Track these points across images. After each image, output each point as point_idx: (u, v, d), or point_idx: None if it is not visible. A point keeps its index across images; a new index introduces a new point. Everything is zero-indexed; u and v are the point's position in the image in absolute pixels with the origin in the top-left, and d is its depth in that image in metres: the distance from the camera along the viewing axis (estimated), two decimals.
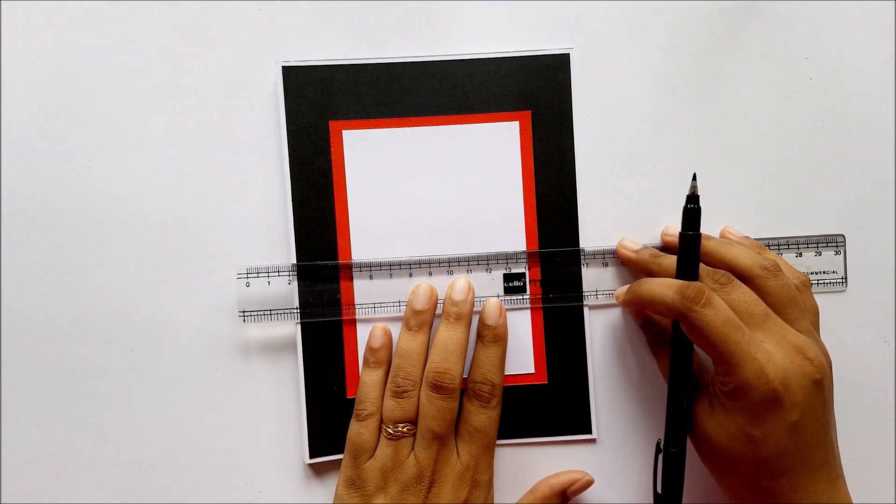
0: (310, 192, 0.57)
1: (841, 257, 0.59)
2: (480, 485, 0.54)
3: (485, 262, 0.57)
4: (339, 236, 0.57)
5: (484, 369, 0.55)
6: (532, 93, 0.58)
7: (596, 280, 0.58)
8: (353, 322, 0.57)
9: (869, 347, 0.59)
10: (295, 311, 0.57)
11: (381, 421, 0.54)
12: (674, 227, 0.57)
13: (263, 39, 0.58)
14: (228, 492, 0.58)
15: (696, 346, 0.51)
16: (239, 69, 0.58)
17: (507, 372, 0.58)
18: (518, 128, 0.58)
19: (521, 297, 0.58)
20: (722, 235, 0.58)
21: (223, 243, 0.57)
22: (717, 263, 0.53)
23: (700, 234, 0.52)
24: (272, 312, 0.56)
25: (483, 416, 0.54)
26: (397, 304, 0.57)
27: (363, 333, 0.57)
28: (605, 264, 0.58)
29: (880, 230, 0.59)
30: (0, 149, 0.57)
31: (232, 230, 0.58)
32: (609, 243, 0.58)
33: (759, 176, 0.59)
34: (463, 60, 0.58)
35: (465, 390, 0.55)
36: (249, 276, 0.56)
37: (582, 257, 0.58)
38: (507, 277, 0.57)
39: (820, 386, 0.49)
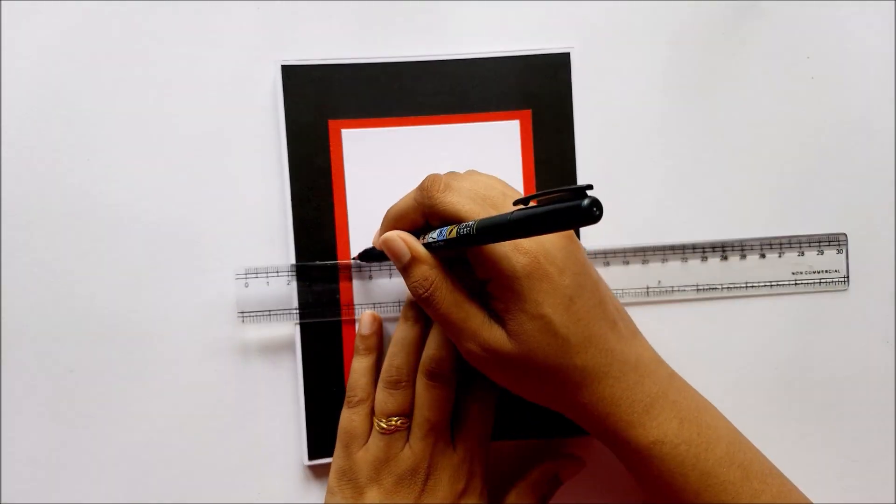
0: (309, 192, 0.57)
1: (843, 256, 0.59)
2: (477, 475, 0.54)
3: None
4: (338, 236, 0.57)
5: (431, 350, 0.53)
6: (532, 92, 0.58)
7: None
8: (353, 322, 0.57)
9: (870, 347, 0.59)
10: (294, 311, 0.57)
11: (373, 411, 0.54)
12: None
13: (263, 38, 0.58)
14: (228, 492, 0.58)
15: None
16: (238, 68, 0.58)
17: None
18: (518, 127, 0.58)
19: None
20: None
21: (222, 243, 0.57)
22: None
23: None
24: (271, 313, 0.56)
25: (479, 406, 0.54)
26: (397, 303, 0.57)
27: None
28: (607, 263, 0.58)
29: (882, 229, 0.59)
30: (0, 149, 0.57)
31: (231, 230, 0.57)
32: (609, 243, 0.58)
33: (761, 175, 0.59)
34: (463, 60, 0.58)
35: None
36: (248, 276, 0.56)
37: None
38: None
39: (573, 240, 0.48)
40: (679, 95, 0.59)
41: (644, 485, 0.51)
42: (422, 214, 0.50)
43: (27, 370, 0.57)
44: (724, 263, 0.58)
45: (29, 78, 0.57)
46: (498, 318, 0.48)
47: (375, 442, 0.53)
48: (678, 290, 0.56)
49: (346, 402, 0.55)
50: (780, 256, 0.58)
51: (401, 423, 0.53)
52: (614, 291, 0.57)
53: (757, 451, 0.51)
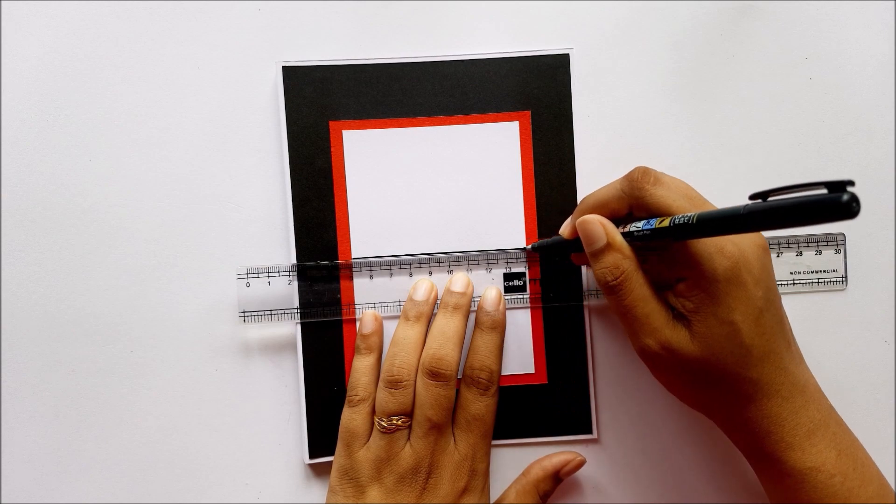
0: (310, 192, 0.57)
1: (841, 256, 0.59)
2: (478, 473, 0.54)
3: (485, 261, 0.57)
4: (339, 236, 0.57)
5: (482, 355, 0.54)
6: (532, 93, 0.58)
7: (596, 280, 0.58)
8: (354, 322, 0.57)
9: (869, 347, 0.59)
10: (295, 311, 0.57)
11: (374, 410, 0.54)
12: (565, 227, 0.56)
13: (264, 39, 0.58)
14: (228, 492, 0.58)
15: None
16: (239, 69, 0.58)
17: (508, 372, 0.58)
18: (518, 128, 0.58)
19: (521, 297, 0.58)
20: None
21: (223, 243, 0.57)
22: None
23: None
24: (272, 312, 0.56)
25: (481, 404, 0.54)
26: (397, 303, 0.57)
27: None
28: None
29: (880, 229, 0.59)
30: (0, 149, 0.57)
31: (232, 230, 0.58)
32: None
33: (759, 175, 0.59)
34: (463, 61, 0.58)
35: (463, 378, 0.55)
36: (249, 276, 0.56)
37: None
38: (507, 276, 0.57)
39: (768, 254, 0.49)
40: (678, 96, 0.59)
41: None
42: (627, 205, 0.49)
43: (28, 370, 0.57)
44: None
45: (29, 78, 0.57)
46: (682, 317, 0.48)
47: (376, 441, 0.53)
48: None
49: (347, 401, 0.55)
50: (778, 256, 0.59)
51: (402, 422, 0.53)
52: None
53: None
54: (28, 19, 0.57)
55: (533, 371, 0.58)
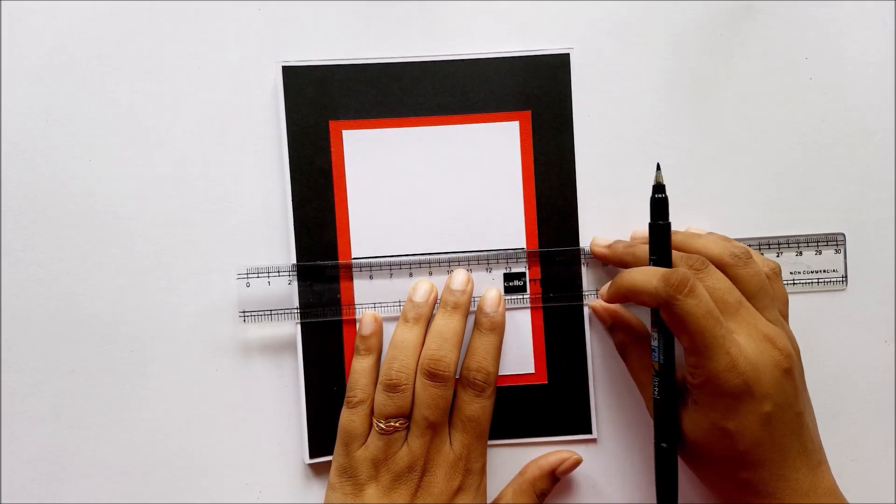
0: (310, 192, 0.57)
1: (841, 256, 0.59)
2: (473, 473, 0.54)
3: (485, 261, 0.57)
4: (338, 236, 0.57)
5: (479, 356, 0.54)
6: (532, 93, 0.58)
7: (596, 280, 0.58)
8: (354, 322, 0.57)
9: (869, 347, 0.59)
10: (295, 311, 0.57)
11: (372, 410, 0.54)
12: (641, 230, 0.57)
13: (263, 39, 0.58)
14: (228, 492, 0.58)
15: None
16: (239, 69, 0.58)
17: (508, 372, 0.58)
18: (518, 128, 0.58)
19: (521, 297, 0.58)
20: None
21: (223, 243, 0.57)
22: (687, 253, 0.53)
23: (670, 224, 0.53)
24: (272, 313, 0.56)
25: (477, 406, 0.54)
26: (397, 303, 0.57)
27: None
28: (605, 264, 0.58)
29: (880, 229, 0.59)
30: (0, 149, 0.57)
31: (232, 230, 0.58)
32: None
33: (759, 175, 0.59)
34: (463, 60, 0.58)
35: (460, 379, 0.55)
36: (249, 276, 0.56)
37: (582, 257, 0.58)
38: (508, 277, 0.57)
39: (790, 374, 0.49)
40: (678, 96, 0.59)
41: None
42: (657, 303, 0.50)
43: (28, 370, 0.57)
44: None
45: (29, 78, 0.57)
46: (685, 392, 0.52)
47: (374, 441, 0.53)
48: None
49: (345, 402, 0.55)
50: (778, 256, 0.59)
51: (399, 424, 0.53)
52: (600, 290, 0.57)
53: None
54: (28, 19, 0.57)
55: (533, 371, 0.58)
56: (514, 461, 0.58)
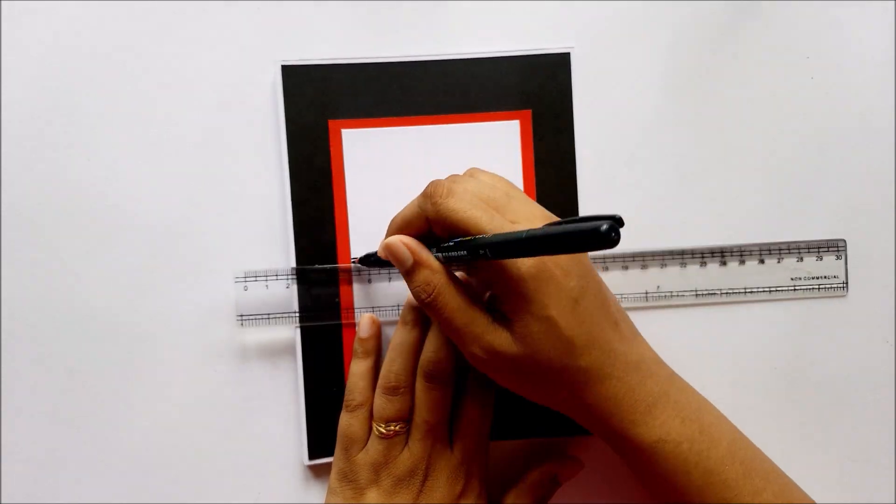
0: (309, 192, 0.57)
1: (842, 262, 0.59)
2: (474, 477, 0.54)
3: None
4: (338, 236, 0.57)
5: (429, 353, 0.53)
6: (532, 92, 0.58)
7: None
8: (353, 326, 0.57)
9: (869, 353, 0.59)
10: (294, 315, 0.57)
11: (372, 414, 0.54)
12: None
13: (263, 38, 0.58)
14: (227, 493, 0.58)
15: None
16: (238, 68, 0.58)
17: None
18: (518, 127, 0.58)
19: None
20: None
21: (222, 243, 0.57)
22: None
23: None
24: (270, 316, 0.56)
25: (476, 410, 0.54)
26: (396, 307, 0.57)
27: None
28: (606, 268, 0.58)
29: (881, 235, 0.59)
30: (0, 149, 0.57)
31: (231, 230, 0.57)
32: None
33: (760, 177, 0.59)
34: (463, 60, 0.58)
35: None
36: (247, 279, 0.56)
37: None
38: None
39: None
40: (679, 96, 0.59)
41: (647, 484, 0.51)
42: (426, 221, 0.49)
43: (27, 371, 0.57)
44: (723, 269, 0.58)
45: (29, 78, 0.57)
46: (504, 320, 0.48)
47: (374, 445, 0.53)
48: (677, 296, 0.56)
49: (344, 405, 0.55)
50: (779, 262, 0.58)
51: (399, 427, 0.53)
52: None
53: (758, 449, 0.51)
54: (28, 19, 0.57)
55: None
56: (514, 461, 0.58)
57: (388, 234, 0.53)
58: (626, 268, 0.57)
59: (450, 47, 0.58)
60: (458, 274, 0.52)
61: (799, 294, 0.59)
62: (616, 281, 0.58)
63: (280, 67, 0.57)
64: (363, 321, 0.56)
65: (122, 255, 0.57)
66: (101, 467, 0.57)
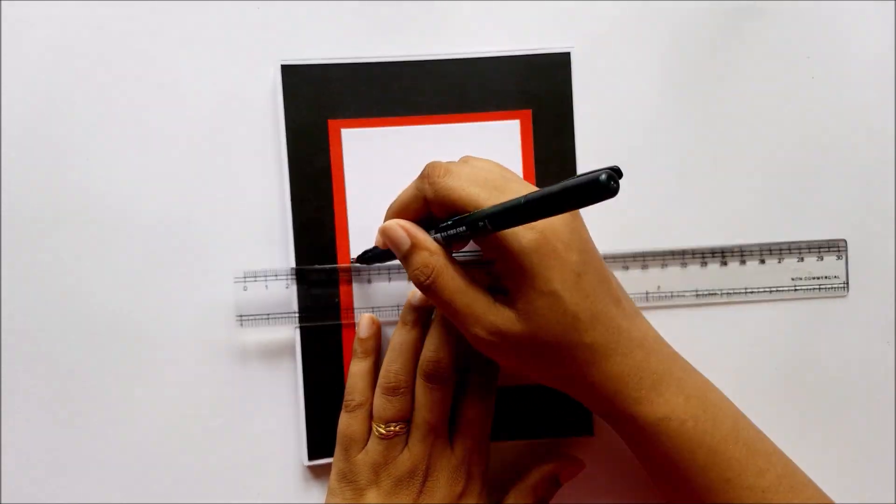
0: (309, 192, 0.57)
1: (843, 262, 0.59)
2: (475, 478, 0.54)
3: (485, 266, 0.57)
4: (338, 235, 0.57)
5: (429, 352, 0.53)
6: (532, 92, 0.58)
7: None
8: (353, 326, 0.57)
9: (870, 353, 0.59)
10: (294, 315, 0.57)
11: (371, 414, 0.54)
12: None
13: (262, 38, 0.58)
14: (227, 494, 0.58)
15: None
16: (238, 68, 0.58)
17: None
18: (518, 127, 0.58)
19: None
20: None
21: (222, 243, 0.57)
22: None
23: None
24: (270, 316, 0.56)
25: (476, 409, 0.54)
26: (396, 307, 0.57)
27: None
28: None
29: (882, 235, 0.59)
30: (0, 149, 0.57)
31: (230, 230, 0.57)
32: (608, 248, 0.58)
33: (760, 177, 0.59)
34: (463, 59, 0.58)
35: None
36: (247, 279, 0.56)
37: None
38: None
39: (578, 217, 0.48)
40: (679, 96, 0.59)
41: (650, 464, 0.51)
42: (424, 203, 0.49)
43: (27, 371, 0.57)
44: (724, 269, 0.58)
45: (29, 78, 0.57)
46: (506, 298, 0.48)
47: (374, 446, 0.53)
48: (678, 296, 0.56)
49: (343, 406, 0.55)
50: (779, 262, 0.58)
51: (399, 428, 0.53)
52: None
53: (760, 430, 0.51)
54: (28, 19, 0.57)
55: None
56: (515, 461, 0.58)
57: (386, 219, 0.53)
58: (626, 268, 0.57)
59: (450, 47, 0.58)
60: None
61: (800, 294, 0.59)
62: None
63: (280, 67, 0.57)
64: (363, 321, 0.56)
65: (121, 255, 0.57)
66: (101, 467, 0.57)
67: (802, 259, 0.59)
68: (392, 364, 0.53)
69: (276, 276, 0.56)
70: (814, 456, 0.58)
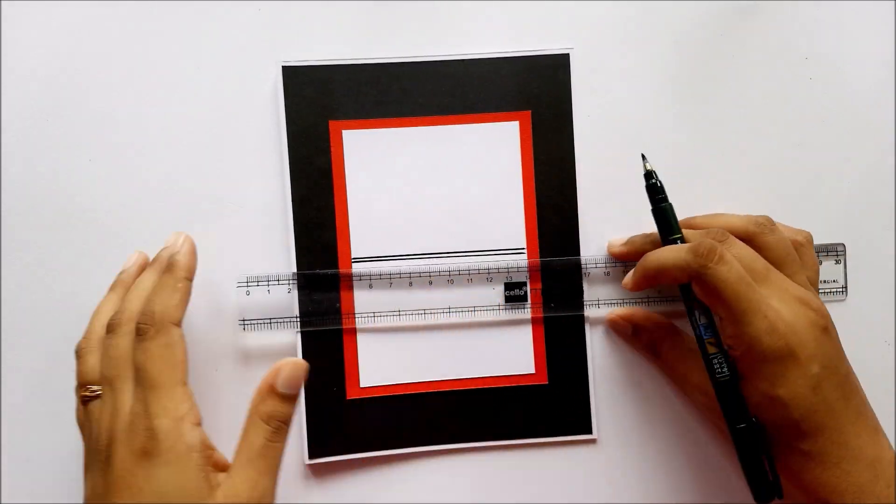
0: (310, 192, 0.57)
1: (841, 266, 0.59)
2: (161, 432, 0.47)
3: (485, 272, 0.57)
4: (338, 236, 0.57)
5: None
6: (532, 93, 0.58)
7: (597, 290, 0.58)
8: (354, 331, 0.57)
9: (869, 354, 0.59)
10: (295, 319, 0.57)
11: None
12: (616, 240, 0.58)
13: (263, 39, 0.58)
14: None
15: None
16: (239, 69, 0.58)
17: (508, 372, 0.58)
18: (518, 128, 0.58)
19: (522, 306, 0.58)
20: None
21: (223, 244, 0.57)
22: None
23: (671, 204, 0.53)
24: (272, 321, 0.56)
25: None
26: (397, 313, 0.57)
27: (364, 342, 0.57)
28: (607, 273, 0.58)
29: (881, 230, 0.59)
30: (0, 149, 0.57)
31: (231, 230, 0.57)
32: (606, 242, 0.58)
33: (759, 179, 0.59)
34: (463, 60, 0.58)
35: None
36: (249, 284, 0.56)
37: (584, 267, 0.58)
38: (508, 286, 0.57)
39: (829, 333, 0.49)
40: (678, 96, 0.59)
41: None
42: (688, 276, 0.50)
43: (27, 371, 0.57)
44: None
45: (29, 78, 0.57)
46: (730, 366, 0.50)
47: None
48: (678, 300, 0.56)
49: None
50: None
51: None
52: (609, 301, 0.58)
53: None
54: (28, 19, 0.57)
55: (533, 371, 0.58)
56: (515, 461, 0.58)
57: (639, 274, 0.54)
58: (627, 271, 0.57)
59: (450, 48, 0.58)
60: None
61: None
62: (618, 284, 0.58)
63: (281, 68, 0.57)
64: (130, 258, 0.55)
65: (124, 258, 0.57)
66: None
67: None
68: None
69: (278, 280, 0.56)
70: None
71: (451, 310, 0.57)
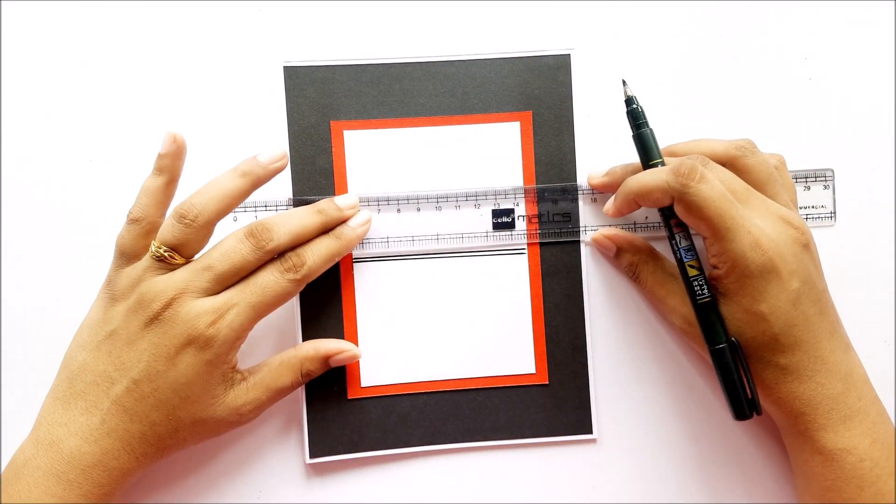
0: (311, 192, 0.57)
1: (829, 192, 0.60)
2: (221, 331, 0.50)
3: (473, 197, 0.58)
4: None
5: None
6: (533, 93, 0.58)
7: (591, 216, 0.59)
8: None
9: (869, 354, 0.58)
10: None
11: (150, 233, 0.52)
12: (596, 171, 0.58)
13: (265, 40, 0.58)
14: (228, 492, 0.57)
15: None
16: (240, 69, 0.58)
17: (508, 372, 0.58)
18: (519, 128, 0.58)
19: (509, 234, 0.58)
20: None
21: None
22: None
23: (652, 129, 0.54)
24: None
25: (272, 277, 0.52)
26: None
27: (364, 335, 0.58)
28: (594, 200, 0.59)
29: (880, 229, 0.60)
30: (0, 149, 0.57)
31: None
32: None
33: None
34: (464, 61, 0.58)
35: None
36: None
37: (579, 194, 0.59)
38: (496, 213, 0.58)
39: (809, 250, 0.50)
40: (678, 96, 0.59)
41: (808, 479, 0.52)
42: (669, 197, 0.50)
43: (27, 370, 0.57)
44: None
45: (29, 78, 0.57)
46: (712, 287, 0.52)
47: (143, 262, 0.51)
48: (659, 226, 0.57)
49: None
50: None
51: (171, 256, 0.50)
52: (604, 207, 0.57)
53: None
54: (28, 19, 0.57)
55: (533, 371, 0.58)
56: (514, 462, 0.58)
57: (620, 199, 0.54)
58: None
59: (451, 49, 0.58)
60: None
61: None
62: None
63: (282, 68, 0.57)
64: (166, 137, 0.52)
65: None
66: None
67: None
68: (197, 196, 0.52)
69: None
70: None
71: (440, 236, 0.58)
